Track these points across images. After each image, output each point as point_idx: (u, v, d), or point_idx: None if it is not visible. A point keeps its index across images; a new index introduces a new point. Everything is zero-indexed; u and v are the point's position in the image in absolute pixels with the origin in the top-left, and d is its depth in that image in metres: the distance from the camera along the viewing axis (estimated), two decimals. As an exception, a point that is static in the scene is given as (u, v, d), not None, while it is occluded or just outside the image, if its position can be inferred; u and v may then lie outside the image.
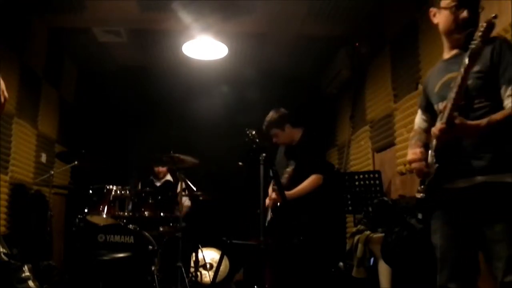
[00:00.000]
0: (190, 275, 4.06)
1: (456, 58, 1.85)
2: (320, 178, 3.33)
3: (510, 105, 1.68)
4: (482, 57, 1.70)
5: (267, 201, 3.36)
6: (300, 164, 3.29)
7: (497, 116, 1.68)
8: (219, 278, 4.22)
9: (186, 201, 4.60)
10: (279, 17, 4.46)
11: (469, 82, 1.73)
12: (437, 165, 1.77)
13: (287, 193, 3.04)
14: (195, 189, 4.28)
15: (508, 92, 1.69)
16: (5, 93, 1.73)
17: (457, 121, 1.65)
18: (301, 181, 3.29)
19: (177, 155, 3.67)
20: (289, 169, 3.25)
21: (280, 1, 4.14)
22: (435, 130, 1.72)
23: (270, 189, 3.37)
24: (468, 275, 1.77)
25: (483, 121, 1.68)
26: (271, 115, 3.53)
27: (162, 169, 4.82)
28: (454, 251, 1.80)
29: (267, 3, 4.17)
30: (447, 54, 1.94)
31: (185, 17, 4.21)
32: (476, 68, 1.72)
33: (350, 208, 4.08)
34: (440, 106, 1.84)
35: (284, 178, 3.22)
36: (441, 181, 1.78)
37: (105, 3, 4.18)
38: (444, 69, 1.91)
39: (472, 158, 1.74)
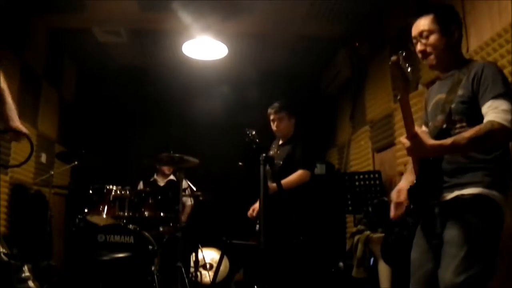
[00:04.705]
0: (190, 275, 4.06)
1: (446, 80, 1.87)
2: (308, 174, 3.31)
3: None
4: (465, 82, 1.74)
5: (253, 211, 3.39)
6: (289, 158, 3.31)
7: (466, 133, 1.62)
8: (219, 278, 4.22)
9: (188, 201, 4.61)
10: (279, 17, 4.46)
11: (453, 106, 1.75)
12: (415, 182, 1.78)
13: (272, 184, 3.01)
14: (195, 189, 4.28)
15: (484, 110, 1.66)
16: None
17: (418, 130, 1.64)
18: (288, 175, 3.26)
19: (177, 155, 3.68)
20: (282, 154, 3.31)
21: (280, 1, 4.14)
22: (402, 140, 1.70)
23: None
24: None
25: (448, 140, 1.64)
26: (285, 100, 3.53)
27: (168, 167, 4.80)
28: (428, 265, 1.77)
29: (267, 3, 4.16)
30: (441, 75, 1.96)
31: (185, 17, 4.21)
32: (460, 92, 1.74)
33: (350, 208, 4.08)
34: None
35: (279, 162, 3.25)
36: (421, 199, 1.78)
37: (105, 3, 4.18)
38: (437, 90, 1.94)
39: (449, 178, 1.74)
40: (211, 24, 4.31)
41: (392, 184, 4.05)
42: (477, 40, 2.86)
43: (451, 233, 1.68)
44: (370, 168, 4.50)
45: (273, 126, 3.49)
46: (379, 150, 4.40)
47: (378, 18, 4.29)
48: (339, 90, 5.59)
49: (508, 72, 2.53)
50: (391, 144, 4.08)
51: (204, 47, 4.54)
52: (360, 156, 4.83)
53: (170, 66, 5.51)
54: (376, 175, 4.02)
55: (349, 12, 4.32)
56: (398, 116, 3.89)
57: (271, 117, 3.48)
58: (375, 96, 4.50)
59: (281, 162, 3.28)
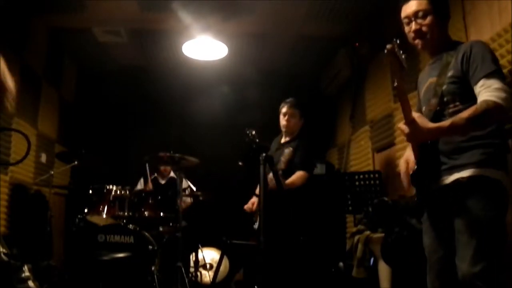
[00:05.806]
0: (190, 275, 4.06)
1: (435, 63, 1.90)
2: (307, 176, 3.34)
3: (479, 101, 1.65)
4: (454, 62, 1.76)
5: (251, 206, 3.41)
6: (291, 163, 3.32)
7: (463, 114, 1.64)
8: (219, 278, 4.22)
9: (187, 199, 4.60)
10: (279, 17, 4.46)
11: (444, 87, 1.76)
12: (415, 167, 1.81)
13: (272, 181, 3.00)
14: (195, 188, 4.28)
15: (477, 90, 1.68)
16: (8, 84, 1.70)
17: (415, 116, 1.66)
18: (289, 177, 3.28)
19: (177, 154, 3.67)
20: (287, 151, 3.29)
21: (280, 1, 4.14)
22: (401, 126, 1.72)
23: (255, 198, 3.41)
24: (455, 277, 1.70)
25: (447, 122, 1.66)
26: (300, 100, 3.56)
27: (167, 167, 4.81)
28: (440, 252, 1.79)
29: (267, 3, 4.16)
30: (430, 59, 1.98)
31: (185, 17, 4.21)
32: (450, 73, 1.76)
33: (350, 208, 4.08)
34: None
35: (282, 163, 3.26)
36: (423, 183, 1.80)
37: (105, 3, 4.18)
38: (427, 74, 1.95)
39: (447, 159, 1.76)
40: (211, 24, 4.31)
41: (392, 184, 4.05)
42: (477, 40, 2.86)
43: (461, 221, 1.68)
44: (370, 168, 4.50)
45: (283, 120, 3.47)
46: (379, 150, 4.40)
47: (378, 18, 4.29)
48: (339, 90, 5.59)
49: (508, 72, 2.53)
50: (391, 144, 4.08)
51: (204, 47, 4.54)
52: (360, 156, 4.83)
53: (170, 66, 5.51)
54: (376, 175, 4.01)
55: (349, 12, 4.32)
56: (398, 116, 3.89)
57: (284, 110, 3.48)
58: (375, 96, 4.50)
59: (283, 166, 3.28)
